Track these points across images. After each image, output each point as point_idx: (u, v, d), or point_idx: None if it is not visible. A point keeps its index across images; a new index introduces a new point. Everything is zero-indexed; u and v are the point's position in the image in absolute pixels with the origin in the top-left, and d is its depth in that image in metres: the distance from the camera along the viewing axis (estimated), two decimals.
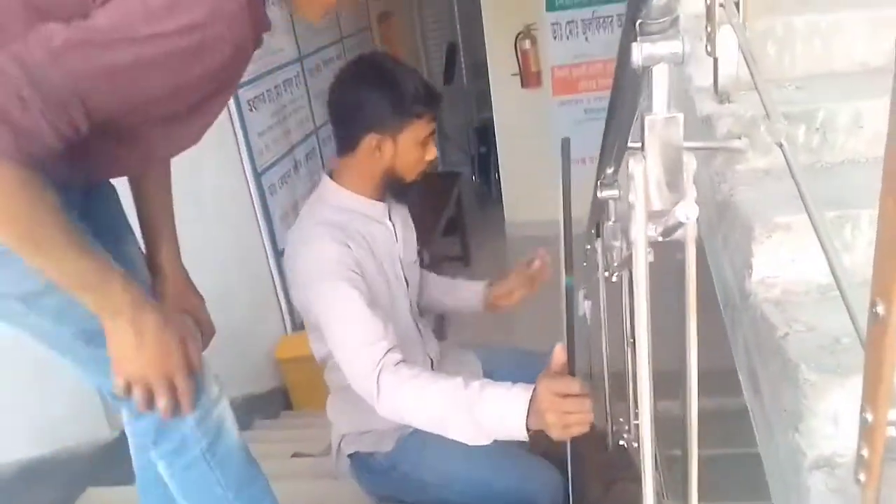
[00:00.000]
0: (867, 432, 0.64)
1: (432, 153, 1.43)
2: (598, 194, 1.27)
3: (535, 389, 1.07)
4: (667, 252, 0.70)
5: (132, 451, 1.24)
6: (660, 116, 0.60)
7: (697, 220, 0.64)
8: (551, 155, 4.62)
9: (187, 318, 1.17)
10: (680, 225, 0.59)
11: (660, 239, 0.65)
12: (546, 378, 1.06)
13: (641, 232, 0.63)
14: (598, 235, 1.45)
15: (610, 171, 1.26)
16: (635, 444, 1.35)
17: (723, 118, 1.11)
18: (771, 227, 0.94)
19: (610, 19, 4.73)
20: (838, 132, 1.07)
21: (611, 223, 1.32)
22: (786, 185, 1.04)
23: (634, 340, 1.57)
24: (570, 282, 0.99)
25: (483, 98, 5.38)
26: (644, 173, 0.61)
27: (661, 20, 0.58)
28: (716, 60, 1.16)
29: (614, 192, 1.26)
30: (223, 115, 2.60)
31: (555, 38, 4.82)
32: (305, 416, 2.78)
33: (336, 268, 1.30)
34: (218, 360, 2.35)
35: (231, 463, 1.14)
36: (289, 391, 2.88)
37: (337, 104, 1.40)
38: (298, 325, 3.09)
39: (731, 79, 1.16)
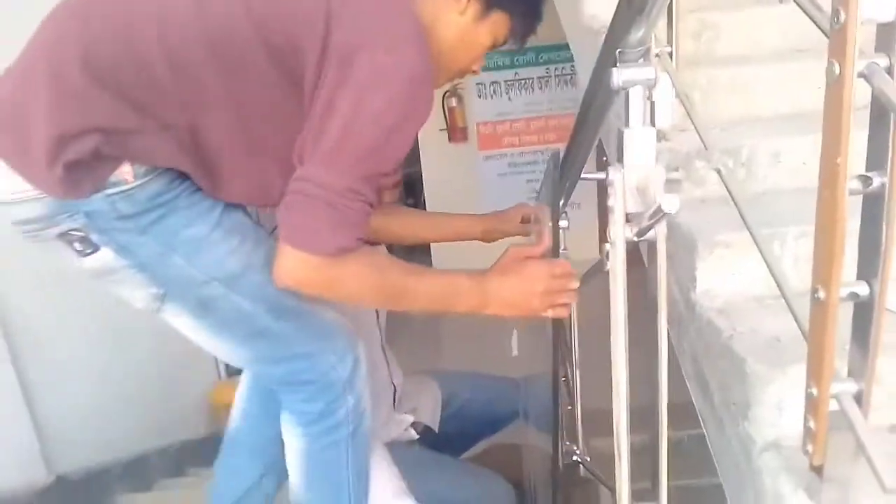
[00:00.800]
0: (812, 405, 0.74)
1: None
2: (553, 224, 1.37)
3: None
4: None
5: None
6: (636, 131, 0.70)
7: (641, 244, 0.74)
8: (477, 206, 4.82)
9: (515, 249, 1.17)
10: (653, 224, 0.68)
11: (635, 239, 0.74)
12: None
13: (620, 231, 0.72)
14: None
15: (561, 202, 1.37)
16: (588, 459, 1.43)
17: (661, 153, 1.24)
18: (712, 245, 1.05)
19: (531, 81, 5.03)
20: (760, 165, 1.22)
21: (563, 251, 1.43)
22: (720, 210, 1.17)
23: (574, 375, 1.66)
24: None
25: (411, 152, 5.54)
26: (622, 180, 0.71)
27: (637, 49, 0.69)
28: (653, 104, 1.30)
29: (564, 223, 1.37)
30: None
31: (479, 96, 5.07)
32: None
33: None
34: (151, 406, 2.30)
35: (362, 449, 1.23)
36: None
37: None
38: (233, 372, 3.03)
39: (667, 121, 1.30)
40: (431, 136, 4.97)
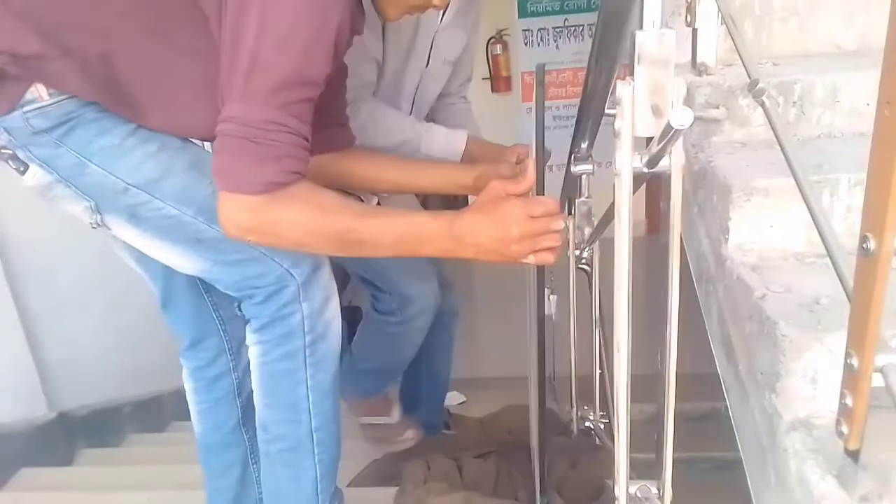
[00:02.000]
0: (851, 378, 0.61)
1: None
2: (572, 169, 1.24)
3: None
4: None
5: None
6: (651, 33, 0.57)
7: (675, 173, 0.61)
8: None
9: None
10: (664, 149, 0.56)
11: (645, 170, 0.61)
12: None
13: (627, 159, 0.60)
14: (569, 213, 1.42)
15: (584, 144, 1.23)
16: (601, 426, 1.32)
17: (700, 88, 1.09)
18: (749, 191, 0.92)
19: (581, 28, 4.78)
20: (815, 106, 1.06)
21: (583, 199, 1.30)
22: (763, 155, 1.03)
23: (603, 326, 1.54)
24: None
25: None
26: (632, 95, 0.58)
27: None
28: (695, 31, 1.14)
29: (588, 167, 1.23)
30: None
31: (525, 44, 4.84)
32: None
33: None
34: (163, 347, 2.27)
35: (324, 369, 1.19)
36: None
37: None
38: None
39: (710, 51, 1.15)
40: (473, 85, 4.79)
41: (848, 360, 0.61)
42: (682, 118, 0.50)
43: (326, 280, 1.19)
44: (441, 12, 1.48)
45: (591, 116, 1.14)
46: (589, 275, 1.62)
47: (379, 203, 1.56)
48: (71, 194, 1.07)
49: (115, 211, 1.08)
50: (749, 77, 0.91)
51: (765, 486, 0.78)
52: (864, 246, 0.57)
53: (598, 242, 1.51)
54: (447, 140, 1.54)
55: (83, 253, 1.98)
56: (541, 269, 1.30)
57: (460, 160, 1.52)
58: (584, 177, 1.27)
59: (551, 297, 1.80)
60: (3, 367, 1.60)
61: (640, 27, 0.57)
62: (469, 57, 1.76)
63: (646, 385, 0.79)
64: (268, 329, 1.15)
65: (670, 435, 0.68)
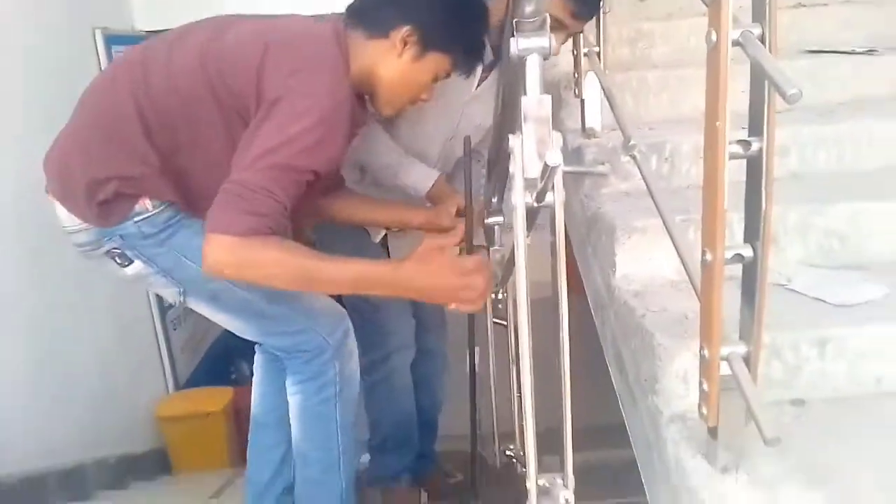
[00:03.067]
0: (705, 367, 0.76)
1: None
2: (485, 221, 1.40)
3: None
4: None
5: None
6: (533, 98, 0.73)
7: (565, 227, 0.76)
8: None
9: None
10: (549, 182, 0.71)
11: (535, 205, 0.76)
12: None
13: (520, 196, 0.74)
14: None
15: (494, 199, 1.40)
16: (521, 453, 1.44)
17: (589, 147, 1.29)
18: (630, 230, 1.09)
19: None
20: (683, 160, 1.27)
21: (496, 247, 1.45)
22: (643, 202, 1.21)
23: (518, 358, 1.68)
24: None
25: None
26: (521, 144, 0.73)
27: (532, 20, 0.72)
28: (582, 102, 1.34)
29: (499, 219, 1.40)
30: None
31: None
32: (182, 481, 2.66)
33: None
34: (95, 416, 2.25)
35: (349, 409, 1.54)
36: (168, 451, 2.74)
37: None
38: (181, 385, 2.98)
39: (595, 118, 1.35)
40: None
41: (701, 352, 0.76)
42: (555, 158, 0.65)
43: (351, 345, 1.52)
44: (476, 81, 1.64)
45: (497, 175, 1.32)
46: (505, 323, 1.77)
47: (386, 237, 1.85)
48: (165, 282, 1.35)
49: (199, 294, 1.37)
50: (624, 137, 1.11)
51: (652, 473, 0.91)
52: (704, 258, 0.73)
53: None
54: (422, 176, 1.70)
55: (16, 327, 1.98)
56: (470, 328, 1.49)
57: (425, 195, 1.69)
58: (496, 227, 1.42)
59: (475, 349, 1.94)
60: None
61: (525, 94, 0.73)
62: None
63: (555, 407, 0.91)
64: (308, 382, 1.48)
65: (569, 426, 0.80)
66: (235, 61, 1.23)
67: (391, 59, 1.30)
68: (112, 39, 2.61)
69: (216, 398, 2.75)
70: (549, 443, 0.88)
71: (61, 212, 1.34)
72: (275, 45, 1.21)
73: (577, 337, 0.85)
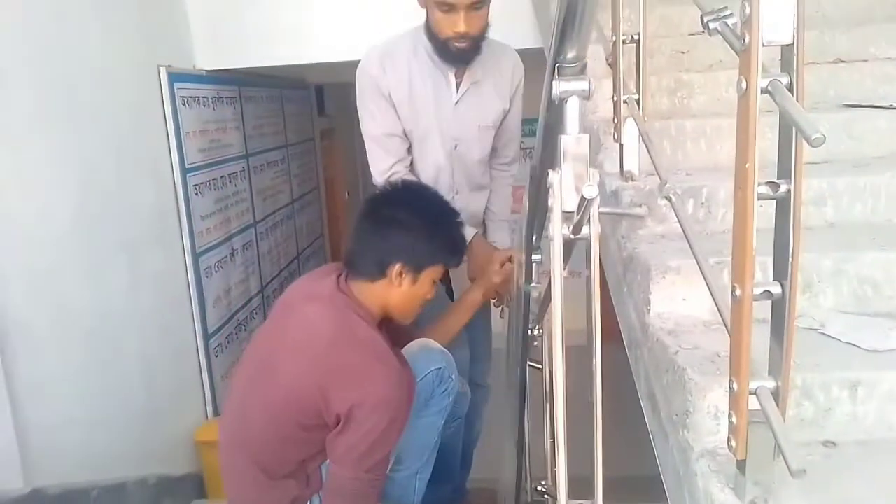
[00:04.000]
0: (734, 400, 0.79)
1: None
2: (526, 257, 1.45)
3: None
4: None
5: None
6: (572, 136, 0.78)
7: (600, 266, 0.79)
8: None
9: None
10: (586, 215, 0.75)
11: (571, 237, 0.81)
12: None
13: (558, 227, 0.79)
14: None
15: (534, 237, 1.45)
16: (553, 487, 1.45)
17: (626, 190, 1.33)
18: (664, 270, 1.12)
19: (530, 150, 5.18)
20: (720, 206, 1.30)
21: (534, 284, 1.49)
22: (678, 244, 1.24)
23: (553, 395, 1.69)
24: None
25: None
26: (560, 179, 0.78)
27: (573, 65, 0.78)
28: (621, 146, 1.39)
29: (538, 257, 1.45)
30: (168, 194, 2.71)
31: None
32: None
33: None
34: (138, 435, 2.32)
35: (445, 422, 1.77)
36: (204, 477, 2.79)
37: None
38: (220, 412, 3.05)
39: (633, 162, 1.39)
40: None
41: (731, 385, 0.79)
42: (591, 191, 0.70)
43: (458, 375, 1.74)
44: (454, 89, 1.93)
45: (536, 214, 1.37)
46: (540, 366, 1.80)
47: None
48: None
49: None
50: (661, 180, 1.15)
51: None
52: (734, 294, 0.76)
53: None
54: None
55: (78, 337, 2.08)
56: (523, 359, 1.62)
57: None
58: (534, 265, 1.47)
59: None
60: None
61: (565, 132, 0.79)
62: (512, 123, 2.11)
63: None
64: (433, 401, 1.68)
65: (600, 453, 0.83)
66: (303, 408, 1.49)
67: (395, 291, 1.60)
68: (175, 77, 2.77)
69: None
70: (579, 489, 0.91)
71: None
72: (323, 368, 1.48)
73: (611, 384, 0.88)
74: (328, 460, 1.53)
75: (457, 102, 1.97)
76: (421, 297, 1.64)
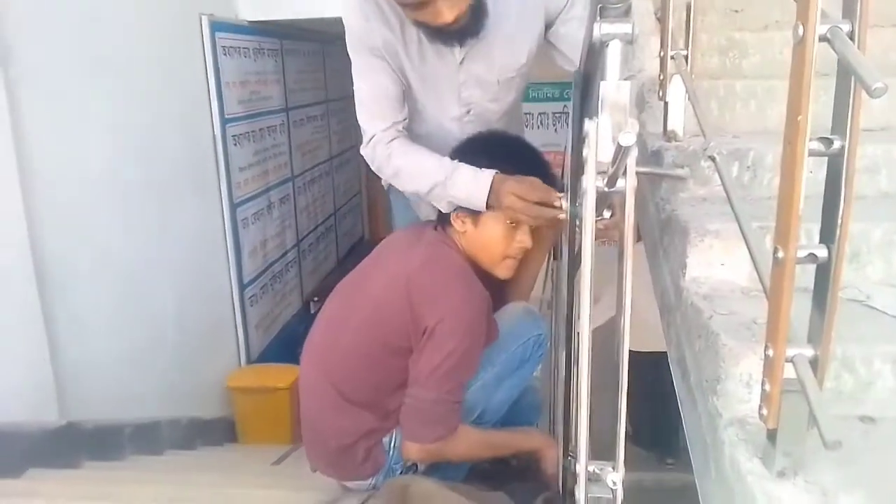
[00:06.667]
0: (769, 367, 0.75)
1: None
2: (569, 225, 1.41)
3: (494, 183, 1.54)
4: None
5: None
6: (612, 83, 0.74)
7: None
8: None
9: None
10: (622, 166, 0.72)
11: (606, 189, 0.77)
12: (509, 181, 1.52)
13: (592, 179, 0.76)
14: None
15: (577, 203, 1.40)
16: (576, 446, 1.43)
17: (669, 150, 1.28)
18: (703, 233, 1.08)
19: None
20: (766, 171, 1.24)
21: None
22: (720, 207, 1.19)
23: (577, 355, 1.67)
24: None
25: None
26: (597, 128, 0.75)
27: (617, 6, 0.73)
28: (666, 104, 1.33)
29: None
30: (207, 143, 2.73)
31: (527, 126, 5.13)
32: (246, 450, 2.77)
33: None
34: (171, 378, 2.38)
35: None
36: (235, 422, 2.86)
37: None
38: (252, 360, 3.11)
39: (678, 122, 1.33)
40: None
41: (766, 352, 0.75)
42: (627, 139, 0.66)
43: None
44: (456, 53, 1.61)
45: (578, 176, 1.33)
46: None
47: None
48: None
49: None
50: (703, 134, 1.10)
51: (706, 476, 0.90)
52: (776, 255, 0.72)
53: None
54: (473, 179, 1.57)
55: (113, 277, 2.13)
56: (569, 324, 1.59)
57: (485, 203, 1.56)
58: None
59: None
60: (22, 368, 1.70)
61: (604, 79, 0.75)
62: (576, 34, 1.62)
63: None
64: (528, 363, 1.72)
65: (623, 414, 0.81)
66: (391, 325, 1.55)
67: (466, 238, 1.64)
68: (217, 26, 2.76)
69: (284, 375, 2.85)
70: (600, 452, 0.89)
71: None
72: (413, 282, 1.53)
73: None
74: (406, 398, 1.55)
75: (462, 60, 1.64)
76: (492, 243, 1.61)
